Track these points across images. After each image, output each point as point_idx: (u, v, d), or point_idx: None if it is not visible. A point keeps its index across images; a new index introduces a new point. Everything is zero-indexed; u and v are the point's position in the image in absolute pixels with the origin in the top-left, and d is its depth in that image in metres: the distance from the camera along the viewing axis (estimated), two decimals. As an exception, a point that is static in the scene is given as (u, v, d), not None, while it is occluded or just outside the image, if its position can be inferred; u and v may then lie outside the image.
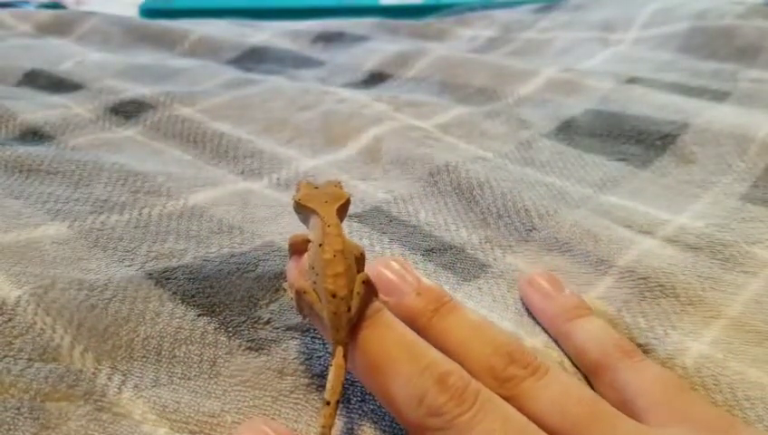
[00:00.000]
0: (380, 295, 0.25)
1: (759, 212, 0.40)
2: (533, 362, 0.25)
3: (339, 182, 0.28)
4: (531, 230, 0.38)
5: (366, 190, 0.42)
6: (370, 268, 0.26)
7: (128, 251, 0.33)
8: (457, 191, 0.41)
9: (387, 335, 0.24)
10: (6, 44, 0.71)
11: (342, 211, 0.27)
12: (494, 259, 0.36)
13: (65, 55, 0.67)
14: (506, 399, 0.23)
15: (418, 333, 0.25)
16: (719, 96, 0.57)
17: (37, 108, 0.51)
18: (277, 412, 0.25)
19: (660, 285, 0.33)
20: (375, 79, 0.65)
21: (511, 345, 0.26)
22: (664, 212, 0.40)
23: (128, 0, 0.96)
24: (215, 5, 0.98)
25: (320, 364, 0.27)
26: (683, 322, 0.31)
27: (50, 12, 0.83)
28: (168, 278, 0.31)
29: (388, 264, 0.29)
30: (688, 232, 0.38)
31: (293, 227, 0.36)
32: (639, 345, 0.29)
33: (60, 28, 0.78)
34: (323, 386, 0.23)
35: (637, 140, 0.49)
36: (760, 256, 0.35)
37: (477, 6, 0.95)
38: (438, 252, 0.36)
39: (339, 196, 0.27)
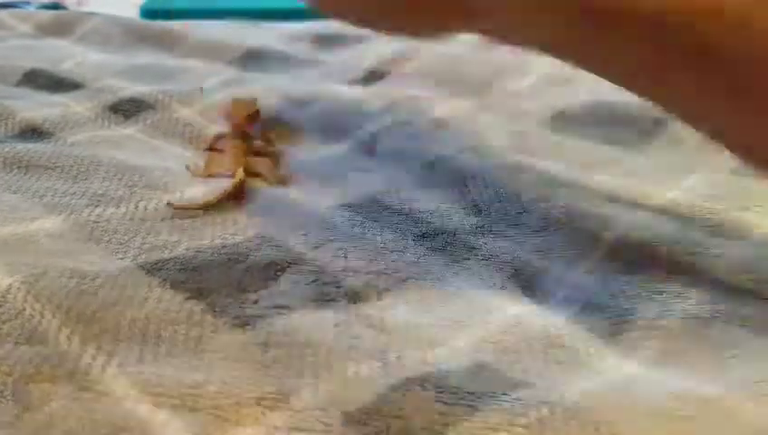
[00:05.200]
0: None
1: (749, 182, 0.40)
2: None
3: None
4: (521, 213, 0.38)
5: (360, 181, 0.42)
6: None
7: (121, 244, 0.33)
8: (451, 182, 0.42)
9: None
10: (6, 45, 0.71)
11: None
12: (485, 243, 0.36)
13: (65, 56, 0.67)
14: None
15: None
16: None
17: (37, 106, 0.51)
18: (258, 383, 0.25)
19: (650, 257, 0.34)
20: (374, 76, 0.65)
21: None
22: (654, 187, 0.41)
23: (128, 0, 0.96)
24: (215, 6, 0.98)
25: (304, 335, 0.27)
26: (669, 287, 0.31)
27: (50, 12, 0.83)
28: (160, 269, 0.31)
29: None
30: (678, 202, 0.38)
31: (289, 221, 0.37)
32: (625, 310, 0.30)
33: (60, 29, 0.78)
34: (309, 355, 0.25)
35: (630, 126, 0.49)
36: (748, 220, 0.36)
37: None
38: (430, 237, 0.37)
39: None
